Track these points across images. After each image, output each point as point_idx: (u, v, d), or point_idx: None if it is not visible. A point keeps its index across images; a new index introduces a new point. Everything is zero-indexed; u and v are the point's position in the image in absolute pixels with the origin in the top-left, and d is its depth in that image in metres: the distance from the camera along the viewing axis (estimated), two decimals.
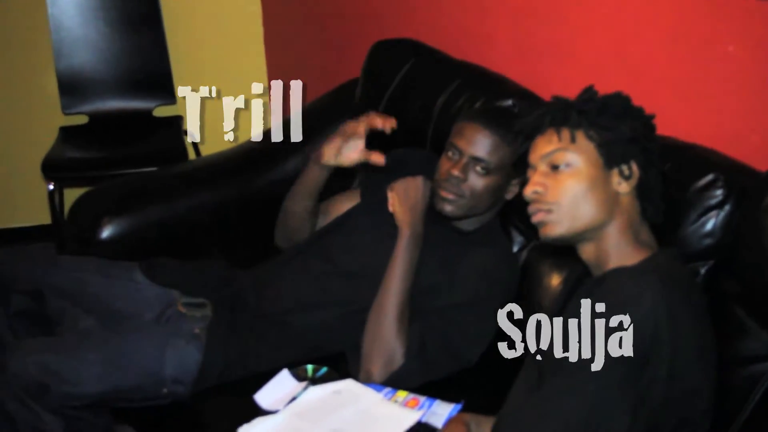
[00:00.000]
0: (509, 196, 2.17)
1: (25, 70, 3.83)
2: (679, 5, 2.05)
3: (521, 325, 2.12)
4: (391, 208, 2.12)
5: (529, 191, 1.64)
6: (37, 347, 1.99)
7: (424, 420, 1.91)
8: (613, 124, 1.61)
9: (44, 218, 3.88)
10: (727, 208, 1.80)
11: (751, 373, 1.65)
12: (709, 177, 1.82)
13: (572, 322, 1.52)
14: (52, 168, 3.41)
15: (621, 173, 1.61)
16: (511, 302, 2.09)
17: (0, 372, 1.95)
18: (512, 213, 2.27)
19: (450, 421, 1.81)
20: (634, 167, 1.61)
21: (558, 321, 1.61)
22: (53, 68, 3.70)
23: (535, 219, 1.65)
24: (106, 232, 2.58)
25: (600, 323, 1.45)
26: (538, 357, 1.65)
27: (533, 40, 2.51)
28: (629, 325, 1.43)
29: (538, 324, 1.64)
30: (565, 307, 1.69)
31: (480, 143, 2.09)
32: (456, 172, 2.10)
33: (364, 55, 2.88)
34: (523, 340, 1.74)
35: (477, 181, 2.10)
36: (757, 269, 1.69)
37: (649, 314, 1.44)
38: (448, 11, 2.82)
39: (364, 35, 3.11)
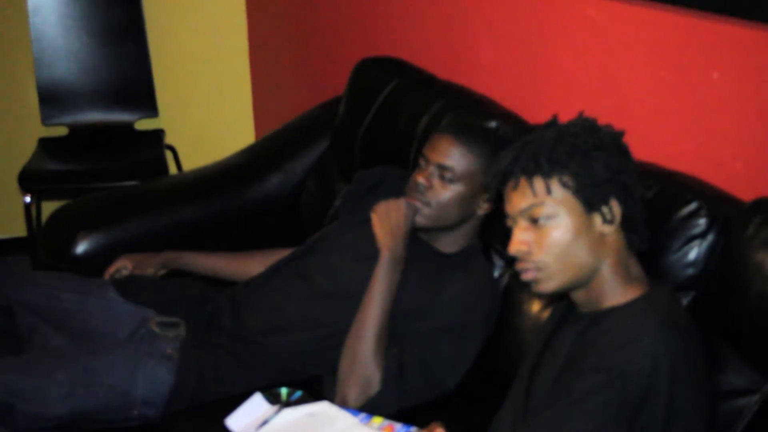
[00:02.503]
0: (481, 211, 2.15)
1: (4, 80, 3.83)
2: (665, 30, 2.05)
3: (501, 352, 2.14)
4: (373, 225, 2.10)
5: (513, 250, 1.61)
6: (3, 366, 1.99)
7: None
8: (587, 166, 1.57)
9: (21, 230, 3.87)
10: (710, 237, 1.78)
11: (733, 408, 1.63)
12: (692, 206, 1.80)
13: (565, 359, 1.52)
14: (29, 180, 3.40)
15: (603, 217, 1.58)
16: (491, 328, 2.12)
17: None
18: (492, 237, 2.25)
19: None
20: (615, 206, 1.58)
21: (549, 356, 1.60)
22: (33, 78, 3.70)
23: (525, 277, 1.62)
24: (81, 248, 2.57)
25: (597, 363, 1.45)
26: (522, 391, 1.65)
27: (518, 61, 2.51)
28: (627, 367, 1.42)
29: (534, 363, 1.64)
30: (550, 341, 1.68)
31: (445, 151, 2.08)
32: (421, 179, 2.09)
33: (348, 72, 2.88)
34: (502, 370, 1.75)
35: (441, 190, 2.09)
36: (739, 301, 1.67)
37: (648, 358, 1.44)
38: (434, 31, 2.82)
39: (348, 52, 3.12)
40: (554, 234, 1.57)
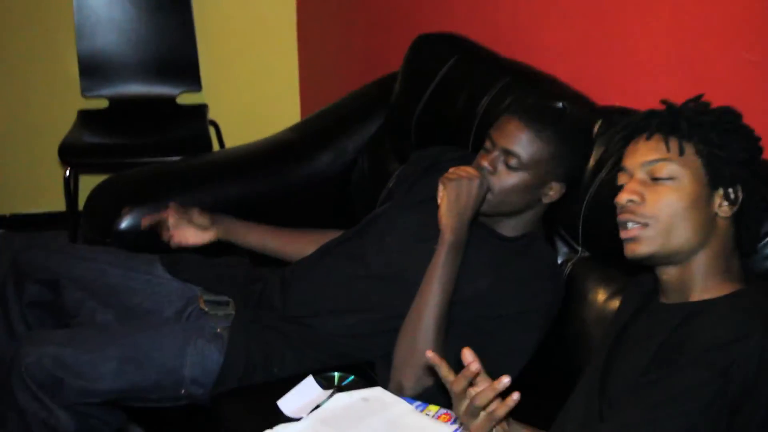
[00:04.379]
0: (546, 199, 2.14)
1: (45, 50, 3.87)
2: (749, 6, 2.03)
3: (563, 345, 2.14)
4: (439, 201, 2.06)
5: (624, 198, 1.60)
6: (52, 339, 2.01)
7: None
8: (726, 142, 1.57)
9: (55, 205, 3.92)
10: None
11: None
12: None
13: (656, 353, 1.52)
14: (69, 153, 3.44)
15: (726, 196, 1.59)
16: (554, 317, 2.12)
17: (12, 363, 1.96)
18: (557, 222, 2.26)
19: None
20: (739, 193, 1.59)
21: (628, 348, 1.60)
22: (74, 49, 3.73)
23: (626, 234, 1.62)
24: (125, 223, 2.60)
25: (697, 359, 1.44)
26: (596, 385, 1.65)
27: (587, 40, 2.51)
28: (731, 366, 1.42)
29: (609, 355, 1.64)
30: (626, 332, 1.68)
31: (513, 136, 2.07)
32: (485, 163, 2.08)
33: (404, 48, 2.88)
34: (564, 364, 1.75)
35: (505, 176, 2.08)
36: None
37: (754, 357, 1.42)
38: (495, 5, 2.82)
39: (403, 28, 3.13)
40: (671, 195, 1.57)
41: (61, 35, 3.77)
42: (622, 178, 1.65)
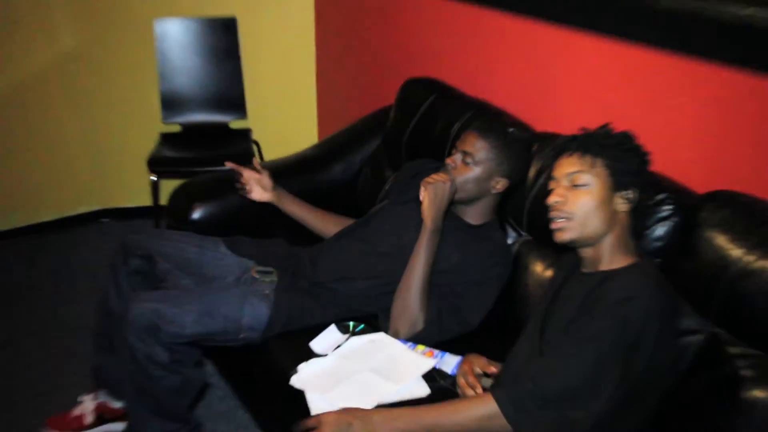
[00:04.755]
0: (494, 191, 2.17)
1: (135, 89, 3.86)
2: (643, 64, 2.08)
3: (512, 300, 2.18)
4: (421, 198, 2.09)
5: (552, 199, 1.66)
6: (151, 297, 2.04)
7: (438, 366, 1.95)
8: (624, 158, 1.63)
9: (143, 201, 3.94)
10: (674, 219, 1.83)
11: (686, 343, 1.68)
12: (661, 196, 1.85)
13: (578, 308, 1.57)
14: (155, 164, 3.46)
15: (625, 197, 1.64)
16: (504, 283, 2.17)
17: (124, 314, 2.01)
18: (507, 214, 2.29)
19: (464, 362, 1.85)
20: (633, 194, 1.64)
21: (560, 304, 1.65)
22: (157, 88, 3.74)
23: (554, 225, 1.67)
24: (196, 214, 2.63)
25: (605, 312, 1.50)
26: (537, 329, 1.70)
27: (529, 83, 2.53)
28: (629, 316, 1.48)
29: (546, 309, 1.69)
30: (559, 292, 1.73)
31: (469, 141, 2.13)
32: (449, 162, 2.14)
33: (396, 87, 2.90)
34: (513, 313, 1.78)
35: (463, 169, 2.12)
36: (693, 265, 1.72)
37: (642, 310, 1.49)
38: (463, 58, 2.83)
39: (397, 72, 3.14)
40: (586, 197, 1.63)
41: (148, 79, 3.77)
42: (551, 185, 1.70)
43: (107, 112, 3.89)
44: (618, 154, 1.63)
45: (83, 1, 3.65)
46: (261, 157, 3.77)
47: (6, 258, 3.73)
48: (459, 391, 1.79)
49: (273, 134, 3.95)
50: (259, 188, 2.50)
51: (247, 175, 2.49)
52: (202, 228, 2.56)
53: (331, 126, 3.93)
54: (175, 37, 3.72)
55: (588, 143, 1.65)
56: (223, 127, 3.82)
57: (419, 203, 2.11)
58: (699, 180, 1.91)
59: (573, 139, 1.69)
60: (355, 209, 2.78)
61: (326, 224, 2.52)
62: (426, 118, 2.68)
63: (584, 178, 1.63)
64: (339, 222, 2.51)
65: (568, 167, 1.66)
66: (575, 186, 1.64)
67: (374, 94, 3.42)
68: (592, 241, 1.66)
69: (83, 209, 4.06)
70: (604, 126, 1.70)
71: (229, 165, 2.50)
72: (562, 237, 1.66)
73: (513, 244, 2.26)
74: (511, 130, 2.22)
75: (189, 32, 3.74)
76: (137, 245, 2.30)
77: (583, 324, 1.54)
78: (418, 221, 2.11)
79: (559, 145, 1.72)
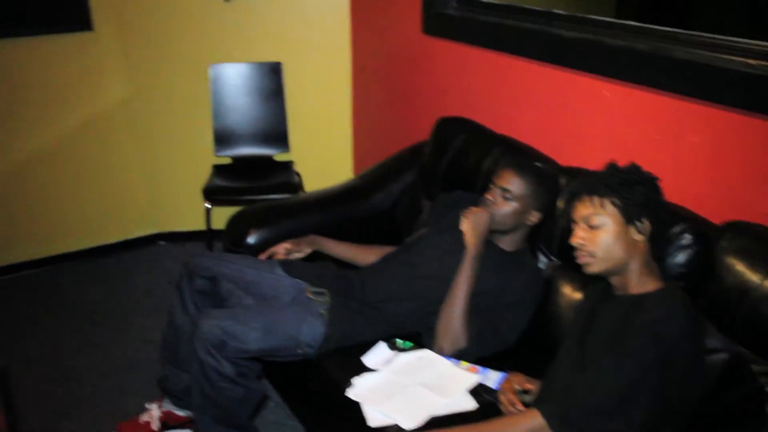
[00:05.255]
0: (529, 222, 2.16)
1: (193, 125, 3.88)
2: (656, 105, 2.08)
3: (545, 320, 2.16)
4: (462, 228, 2.10)
5: (575, 242, 1.66)
6: (219, 315, 2.04)
7: (481, 381, 1.94)
8: (630, 192, 1.61)
9: (195, 225, 3.94)
10: (695, 247, 1.80)
11: (710, 361, 1.66)
12: (681, 226, 1.83)
13: (613, 327, 1.55)
14: (209, 193, 3.47)
15: (639, 227, 1.62)
16: (538, 304, 2.15)
17: (190, 330, 2.00)
18: (540, 241, 2.27)
19: (505, 381, 1.82)
20: (646, 223, 1.62)
21: (596, 324, 1.63)
22: (210, 124, 3.76)
23: (580, 261, 1.67)
24: (252, 239, 2.62)
25: (641, 331, 1.49)
26: (575, 347, 1.67)
27: (552, 123, 2.53)
28: (661, 335, 1.47)
29: (582, 328, 1.66)
30: (594, 314, 1.71)
31: (508, 179, 2.12)
32: (489, 197, 2.13)
33: (428, 125, 2.88)
34: (547, 331, 1.76)
35: (502, 205, 2.11)
36: (715, 289, 1.71)
37: (678, 327, 1.48)
38: (492, 99, 2.82)
39: (428, 111, 3.13)
40: (603, 235, 1.62)
41: (203, 116, 3.79)
42: (573, 227, 1.70)
43: (166, 145, 3.91)
44: (624, 190, 1.62)
45: (151, 48, 3.70)
46: (302, 187, 3.77)
47: (77, 277, 3.74)
48: (501, 408, 1.77)
49: (313, 166, 3.95)
50: (296, 253, 2.48)
51: (282, 257, 2.46)
52: (257, 251, 2.55)
53: (365, 159, 3.93)
54: (228, 79, 3.74)
55: (595, 186, 1.65)
56: (269, 160, 3.82)
57: (459, 232, 2.11)
58: (713, 211, 1.90)
59: (581, 183, 1.69)
60: (394, 235, 2.77)
61: (366, 256, 2.50)
62: (459, 154, 2.66)
63: (598, 219, 1.63)
64: (378, 252, 2.50)
65: (582, 210, 1.66)
66: (592, 227, 1.64)
67: (407, 131, 3.42)
68: (618, 270, 1.65)
69: (142, 232, 4.08)
70: (611, 165, 1.69)
71: (264, 257, 2.46)
72: (589, 270, 1.67)
73: (545, 268, 2.25)
74: (541, 166, 2.21)
75: (240, 75, 3.75)
76: (201, 267, 2.29)
77: (620, 342, 1.53)
78: (457, 248, 2.12)
79: (572, 191, 1.72)
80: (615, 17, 2.30)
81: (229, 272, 2.28)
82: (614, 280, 1.68)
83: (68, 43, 3.53)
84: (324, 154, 4.05)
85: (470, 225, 2.08)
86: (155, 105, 3.81)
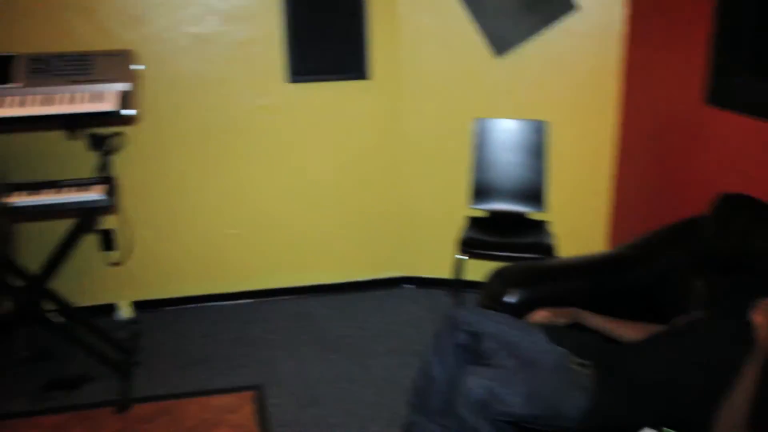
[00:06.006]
0: None
1: (450, 175, 3.98)
2: None
3: None
4: (756, 319, 1.92)
5: None
6: (485, 374, 2.03)
7: None
8: None
9: (440, 273, 4.02)
10: None
11: None
12: None
13: None
14: (465, 244, 3.51)
15: None
16: None
17: (457, 384, 2.01)
18: None
19: None
20: None
21: None
22: (468, 176, 3.85)
23: None
24: (511, 298, 2.59)
25: None
26: None
27: None
28: None
29: None
30: None
31: None
32: None
33: (702, 198, 2.72)
34: None
35: None
36: None
37: None
38: None
39: (705, 184, 2.96)
40: None
41: (461, 167, 3.91)
42: None
43: (421, 191, 4.06)
44: None
45: (419, 98, 3.89)
46: (556, 249, 3.70)
47: (326, 308, 3.97)
48: None
49: (566, 227, 3.88)
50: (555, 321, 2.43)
51: (547, 322, 2.42)
52: (514, 311, 2.51)
53: (622, 226, 3.80)
54: (491, 134, 3.81)
55: None
56: (523, 217, 3.81)
57: (746, 322, 1.93)
58: None
59: None
60: (651, 311, 2.60)
61: (627, 332, 2.37)
62: (743, 235, 2.44)
63: None
64: (641, 329, 2.35)
65: None
66: None
67: (674, 202, 3.26)
68: None
69: (389, 274, 4.23)
70: None
71: (534, 320, 2.42)
72: None
73: None
74: None
75: (504, 131, 3.80)
76: (465, 321, 2.30)
77: None
78: (742, 338, 1.93)
79: None
80: None
81: (493, 330, 2.27)
82: None
83: (349, 89, 3.85)
84: (579, 216, 3.96)
85: (766, 318, 1.89)
86: (417, 151, 3.98)
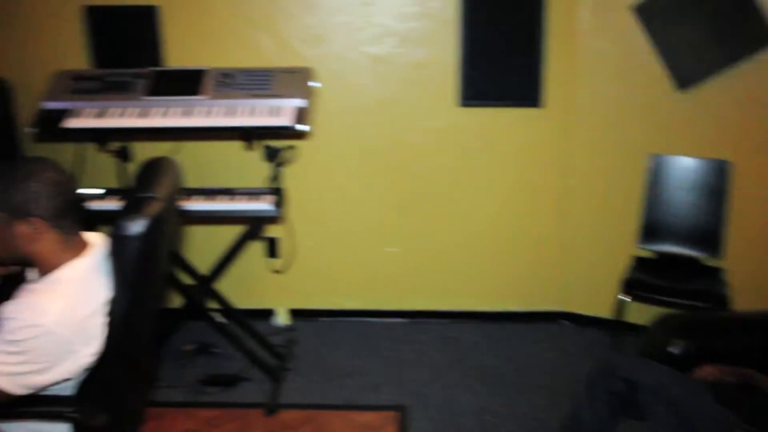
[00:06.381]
0: None
1: (618, 213, 3.81)
2: None
3: None
4: None
5: None
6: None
7: None
8: None
9: (599, 311, 3.86)
10: None
11: None
12: None
13: None
14: (630, 286, 3.34)
15: None
16: None
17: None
18: None
19: None
20: None
21: None
22: (636, 214, 3.66)
23: None
24: (675, 349, 2.43)
25: None
26: None
27: None
28: None
29: None
30: None
31: None
32: None
33: None
34: None
35: None
36: None
37: None
38: None
39: None
40: None
41: (631, 204, 3.71)
42: None
43: (586, 226, 3.91)
44: None
45: (594, 129, 3.76)
46: (731, 299, 3.42)
47: (476, 336, 3.92)
48: None
49: (745, 278, 3.57)
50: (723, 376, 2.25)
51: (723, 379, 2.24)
52: (678, 364, 2.34)
53: None
54: (667, 171, 3.61)
55: None
56: (695, 262, 3.57)
57: None
58: None
59: None
60: None
61: None
62: None
63: None
64: None
65: None
66: None
67: None
68: None
69: (545, 308, 4.11)
70: None
71: (700, 376, 2.26)
72: None
73: None
74: None
75: (681, 169, 3.59)
76: (623, 368, 2.19)
77: None
78: None
79: None
80: None
81: (652, 383, 2.13)
82: None
83: (521, 116, 3.80)
84: (760, 266, 3.64)
85: None
86: (584, 183, 3.84)
